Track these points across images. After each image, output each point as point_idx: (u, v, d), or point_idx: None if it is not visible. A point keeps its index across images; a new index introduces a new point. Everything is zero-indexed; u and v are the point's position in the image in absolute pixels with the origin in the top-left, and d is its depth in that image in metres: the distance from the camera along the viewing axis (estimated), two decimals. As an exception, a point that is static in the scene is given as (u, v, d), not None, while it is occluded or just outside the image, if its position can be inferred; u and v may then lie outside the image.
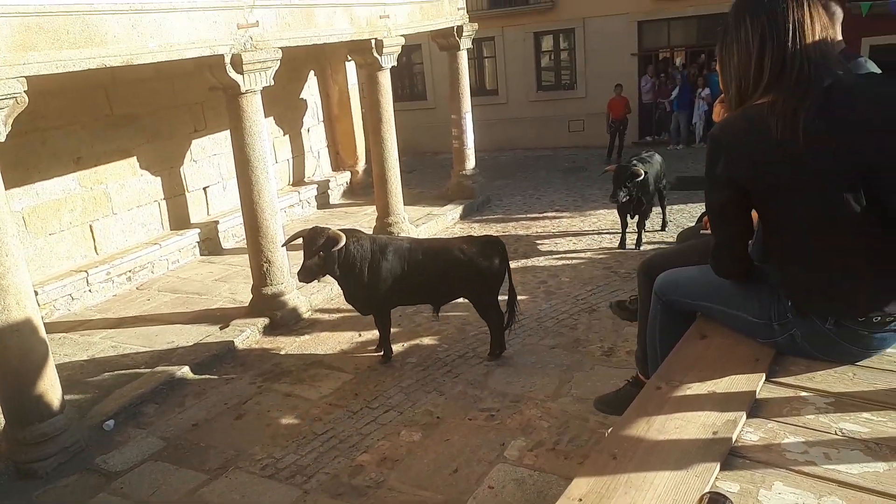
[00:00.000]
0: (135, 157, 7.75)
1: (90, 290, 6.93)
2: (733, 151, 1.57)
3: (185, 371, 5.29)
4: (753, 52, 1.56)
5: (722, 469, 1.43)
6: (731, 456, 1.47)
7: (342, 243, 4.91)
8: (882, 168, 1.45)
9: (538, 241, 8.19)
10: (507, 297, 5.26)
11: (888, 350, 1.73)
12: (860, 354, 1.69)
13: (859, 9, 10.99)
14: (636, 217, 7.62)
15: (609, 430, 3.87)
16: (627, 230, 7.70)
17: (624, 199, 7.11)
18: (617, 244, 7.75)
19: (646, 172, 7.08)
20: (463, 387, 4.92)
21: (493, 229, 8.74)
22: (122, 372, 5.33)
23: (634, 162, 7.29)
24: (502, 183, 11.09)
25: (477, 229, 8.78)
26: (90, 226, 7.30)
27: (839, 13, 2.47)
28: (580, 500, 1.42)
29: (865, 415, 1.55)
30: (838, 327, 1.63)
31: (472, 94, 10.24)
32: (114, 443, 4.50)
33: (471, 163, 10.01)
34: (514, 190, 10.72)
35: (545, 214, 9.31)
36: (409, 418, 4.56)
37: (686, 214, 8.73)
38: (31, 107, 4.17)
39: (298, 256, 7.34)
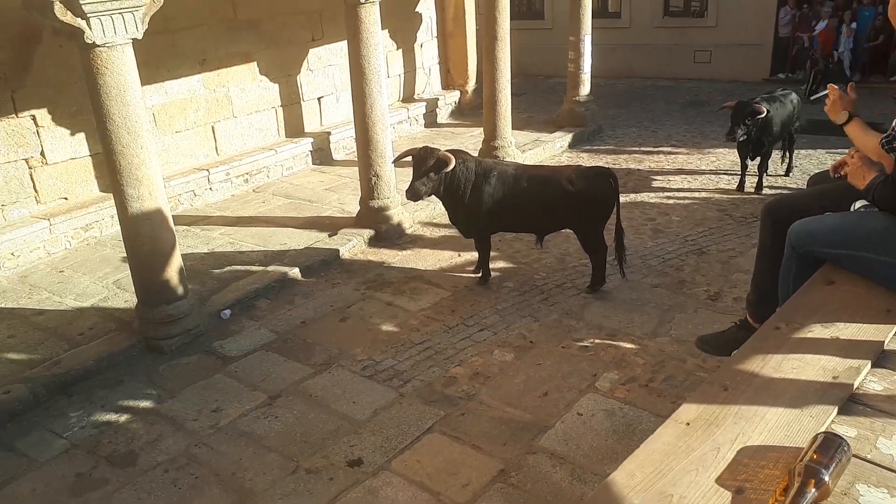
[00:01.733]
0: (255, 63, 7.97)
1: (211, 188, 7.37)
2: None
3: (295, 272, 5.59)
4: None
5: (839, 413, 1.40)
6: (850, 402, 1.44)
7: (451, 166, 4.92)
8: None
9: (650, 177, 7.88)
10: (615, 232, 5.15)
11: None
12: None
13: None
14: (757, 159, 7.14)
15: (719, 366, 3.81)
16: (747, 172, 7.26)
17: (741, 138, 6.65)
18: (735, 186, 7.33)
19: (768, 111, 6.57)
20: (558, 315, 4.93)
21: (603, 160, 8.48)
22: (238, 267, 5.71)
23: (758, 99, 6.78)
24: (616, 112, 10.63)
25: (586, 159, 8.55)
26: (212, 127, 7.67)
27: None
28: (688, 423, 1.43)
29: None
30: None
31: (594, 15, 9.69)
32: (229, 330, 4.88)
33: (585, 89, 9.61)
34: (629, 121, 10.27)
35: (660, 149, 8.90)
36: (502, 339, 4.65)
37: (814, 160, 8.10)
38: (163, 7, 4.34)
39: (405, 173, 7.44)
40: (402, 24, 9.81)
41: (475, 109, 10.32)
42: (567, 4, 9.55)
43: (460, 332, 4.74)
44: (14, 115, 5.97)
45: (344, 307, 5.16)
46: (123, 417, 4.02)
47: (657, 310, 4.95)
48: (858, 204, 1.96)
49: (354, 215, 6.61)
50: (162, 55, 6.91)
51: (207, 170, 7.35)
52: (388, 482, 3.43)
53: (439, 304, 5.14)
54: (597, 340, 4.60)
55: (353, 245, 6.12)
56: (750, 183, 7.27)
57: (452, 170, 4.99)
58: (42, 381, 4.20)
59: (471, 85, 10.86)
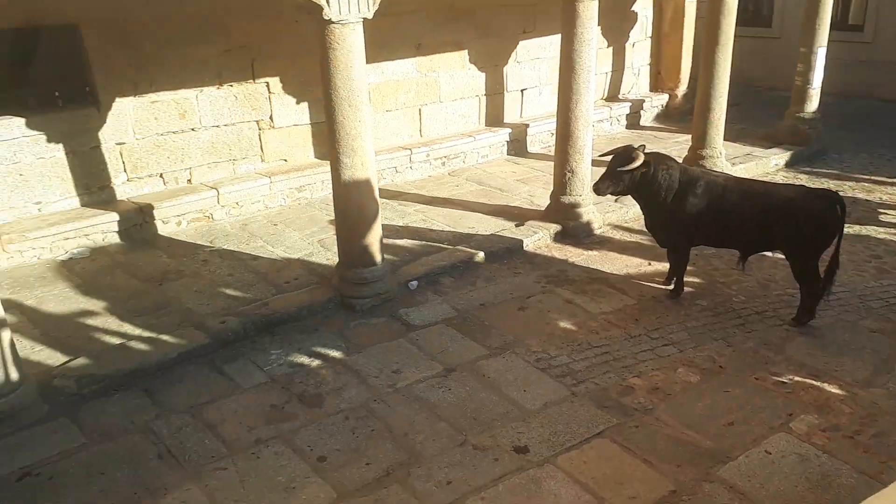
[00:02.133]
0: (465, 51, 8.20)
1: (411, 167, 7.73)
2: None
3: (480, 256, 5.70)
4: None
5: None
6: None
7: (635, 164, 4.73)
8: None
9: (879, 209, 6.96)
10: (828, 264, 4.63)
11: None
12: None
13: None
14: None
15: None
16: None
17: None
18: None
19: None
20: (755, 344, 4.54)
21: (825, 185, 7.65)
22: (428, 243, 5.94)
23: None
24: (846, 135, 9.51)
25: (804, 181, 7.77)
26: (419, 109, 8.02)
27: None
28: None
29: None
30: None
31: (831, 27, 8.74)
32: (415, 301, 5.10)
33: (812, 105, 8.71)
34: (861, 145, 9.14)
35: (895, 180, 7.84)
36: (688, 358, 4.38)
37: None
38: (390, -8, 4.59)
39: (597, 173, 7.27)
40: (616, 22, 9.56)
41: (683, 115, 9.80)
42: (800, 13, 8.72)
43: (643, 343, 4.54)
44: (252, 81, 6.69)
45: (523, 297, 5.17)
46: (315, 363, 4.37)
47: (874, 357, 4.38)
48: None
49: (543, 209, 6.58)
50: (384, 37, 7.31)
51: (410, 149, 7.71)
52: (552, 476, 3.39)
53: (622, 311, 4.96)
54: (797, 378, 4.17)
55: (539, 238, 6.10)
56: None
57: (653, 174, 4.79)
58: (252, 318, 4.69)
59: (681, 89, 10.33)
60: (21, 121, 5.64)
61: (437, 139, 8.07)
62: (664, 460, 3.50)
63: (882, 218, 6.74)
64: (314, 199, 6.95)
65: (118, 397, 4.04)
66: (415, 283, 5.25)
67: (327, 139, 4.89)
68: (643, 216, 5.24)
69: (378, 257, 5.01)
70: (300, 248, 5.86)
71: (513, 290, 5.28)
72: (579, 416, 3.83)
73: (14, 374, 3.77)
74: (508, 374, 4.21)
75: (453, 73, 8.21)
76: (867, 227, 6.50)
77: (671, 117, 10.13)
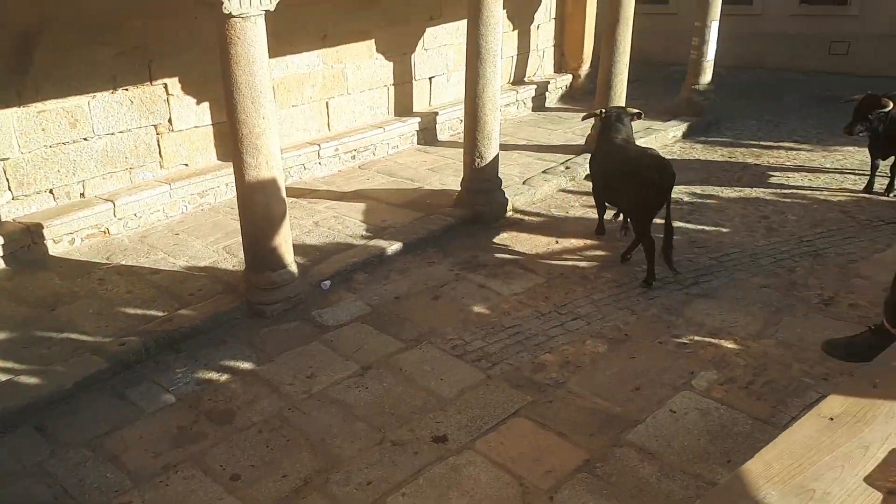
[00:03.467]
0: (373, 40, 8.13)
1: (320, 163, 7.64)
2: None
3: (392, 249, 5.71)
4: None
5: None
6: None
7: None
8: None
9: (767, 173, 7.40)
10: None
11: None
12: None
13: None
14: (890, 158, 6.55)
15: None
16: (877, 172, 6.67)
17: (860, 134, 6.28)
18: (862, 187, 6.76)
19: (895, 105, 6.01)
20: (657, 310, 4.76)
21: (718, 153, 8.07)
22: (340, 240, 5.90)
23: (893, 93, 6.22)
24: (738, 104, 10.03)
25: (699, 150, 8.17)
26: (326, 103, 7.91)
27: None
28: (831, 418, 1.35)
29: None
30: None
31: (723, 1, 9.18)
32: (328, 301, 5.06)
33: (706, 77, 9.13)
34: (750, 113, 9.67)
35: (781, 144, 8.34)
36: (596, 330, 4.55)
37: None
38: (291, -20, 4.50)
39: (508, 157, 7.41)
40: (520, 5, 9.67)
41: (587, 94, 10.07)
42: (694, -11, 9.09)
43: (552, 320, 4.68)
44: (149, 83, 6.41)
45: (437, 286, 5.22)
46: (224, 377, 4.23)
47: (764, 311, 4.68)
48: None
49: (454, 196, 6.64)
50: (288, 29, 7.11)
51: (318, 145, 7.61)
52: (471, 461, 3.45)
53: (532, 290, 5.09)
54: (696, 338, 4.41)
55: (451, 225, 6.17)
56: (879, 184, 6.67)
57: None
58: (154, 336, 4.46)
59: (584, 69, 10.60)
60: None
61: (346, 132, 8.00)
62: (577, 431, 3.63)
63: (769, 180, 7.17)
64: (218, 203, 6.75)
65: (6, 440, 3.72)
66: (327, 282, 5.21)
67: (230, 139, 4.76)
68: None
69: (287, 259, 4.94)
70: (204, 256, 5.68)
71: (427, 280, 5.33)
72: (495, 399, 3.91)
73: None
74: (425, 365, 4.26)
75: (360, 64, 8.13)
76: (756, 189, 6.91)
77: (575, 97, 10.39)
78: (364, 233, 6.03)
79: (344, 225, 6.23)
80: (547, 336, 4.49)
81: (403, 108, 8.67)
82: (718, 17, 8.85)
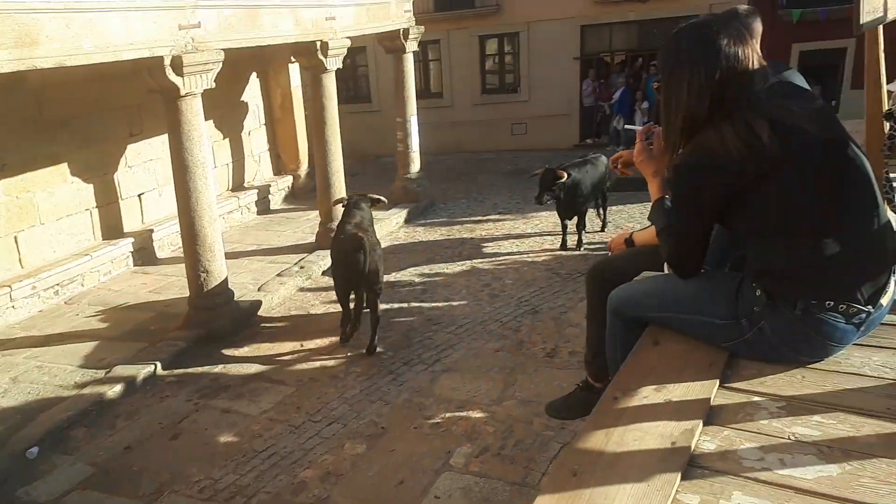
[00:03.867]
0: (65, 164, 7.37)
1: (13, 307, 6.56)
2: (718, 169, 1.70)
3: (116, 390, 5.05)
4: (702, 86, 1.71)
5: (683, 480, 1.41)
6: (690, 466, 1.45)
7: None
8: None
9: (482, 244, 8.19)
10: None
11: (839, 353, 1.76)
12: (822, 347, 1.73)
13: (790, 15, 11.44)
14: (574, 218, 7.71)
15: (564, 446, 3.85)
16: (567, 231, 7.79)
17: (547, 202, 7.30)
18: (558, 245, 7.82)
19: (569, 175, 7.16)
20: (408, 395, 4.85)
21: (438, 233, 8.73)
22: (48, 395, 5.05)
23: (569, 164, 7.47)
24: (447, 186, 11.07)
25: (422, 233, 8.75)
26: (15, 237, 6.90)
27: (759, 28, 2.59)
28: None
29: (816, 418, 1.56)
30: (805, 314, 1.68)
31: (418, 96, 10.19)
32: (38, 472, 4.22)
33: (415, 166, 9.95)
34: (459, 193, 10.72)
35: (488, 217, 9.34)
36: (353, 430, 4.47)
37: (625, 215, 8.89)
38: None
39: (238, 264, 7.19)
40: (228, 114, 9.63)
41: (309, 193, 10.26)
42: (392, 88, 9.94)
43: (307, 430, 4.50)
44: None
45: (174, 423, 4.71)
46: None
47: (501, 373, 5.04)
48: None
49: (183, 316, 6.17)
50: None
51: (9, 286, 6.55)
52: None
53: (283, 403, 4.86)
54: (448, 414, 4.56)
55: (183, 349, 5.69)
56: (571, 241, 7.79)
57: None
58: None
59: (303, 169, 10.83)
60: None
61: (45, 266, 7.02)
62: (348, 545, 3.47)
63: (485, 250, 7.94)
64: None
65: None
66: (34, 449, 4.36)
67: None
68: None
69: (-26, 433, 4.07)
70: None
71: (162, 418, 4.78)
72: (255, 535, 3.58)
73: None
74: (168, 518, 3.76)
75: (53, 190, 7.27)
76: (475, 260, 7.59)
77: (298, 197, 10.54)
78: (79, 379, 5.25)
79: (51, 375, 5.36)
80: (304, 450, 4.28)
81: (112, 230, 7.93)
82: (416, 112, 9.77)
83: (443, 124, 14.02)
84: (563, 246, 7.77)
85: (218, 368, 5.47)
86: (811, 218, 1.68)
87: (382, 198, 6.40)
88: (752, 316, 1.75)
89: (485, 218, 9.29)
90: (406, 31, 9.37)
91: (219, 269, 6.17)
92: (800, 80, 2.17)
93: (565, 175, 7.13)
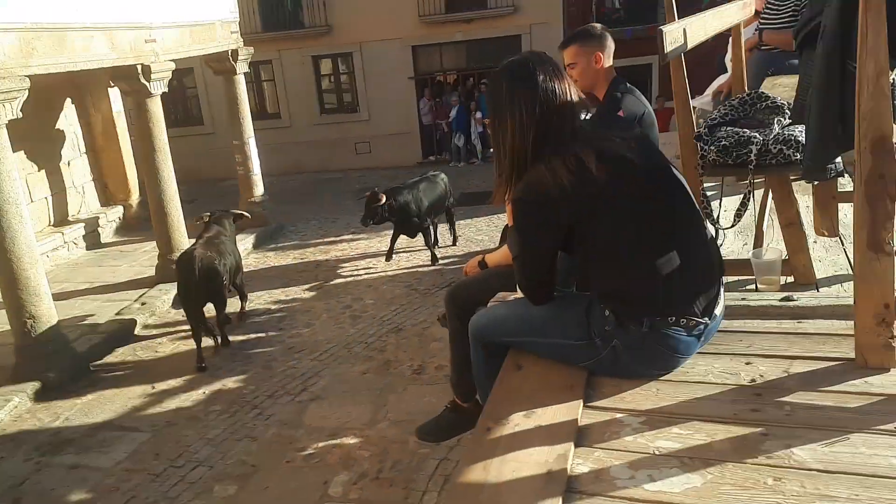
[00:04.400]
0: None
1: None
2: (553, 203, 1.75)
3: (-67, 462, 4.42)
4: (524, 124, 1.78)
5: None
6: (568, 492, 1.42)
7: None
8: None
9: (338, 265, 8.16)
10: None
11: (686, 363, 1.86)
12: (670, 360, 1.84)
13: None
14: (419, 236, 7.91)
15: (445, 482, 3.84)
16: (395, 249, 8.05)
17: (371, 224, 7.52)
18: (414, 263, 7.99)
19: (390, 196, 7.35)
20: (277, 429, 4.72)
21: (291, 256, 8.57)
22: None
23: (402, 185, 7.75)
24: (295, 208, 10.87)
25: (273, 258, 8.54)
26: None
27: (611, 45, 2.81)
28: None
29: (675, 429, 1.59)
30: (652, 331, 1.78)
31: (254, 117, 9.94)
32: None
33: (259, 189, 9.67)
34: (309, 214, 10.56)
35: (342, 238, 9.30)
36: (220, 472, 4.26)
37: (473, 228, 9.27)
38: None
39: (68, 306, 6.60)
40: (41, 144, 8.73)
41: (144, 223, 9.55)
42: (225, 109, 9.60)
43: (171, 477, 4.22)
44: None
45: (13, 486, 4.21)
46: None
47: (370, 395, 5.06)
48: None
49: (10, 369, 5.52)
50: None
51: None
52: None
53: (138, 451, 4.52)
54: (320, 444, 4.50)
55: (14, 405, 5.11)
56: (425, 257, 8.00)
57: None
58: None
59: (135, 198, 10.10)
60: None
61: None
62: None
63: (342, 272, 7.92)
64: None
65: None
66: None
67: None
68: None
69: None
70: None
71: (-5, 484, 4.26)
72: None
73: None
74: None
75: None
76: (333, 282, 7.54)
77: (132, 228, 9.79)
78: None
79: None
80: (169, 499, 4.01)
81: None
82: (253, 133, 9.52)
83: (283, 145, 13.76)
84: (389, 257, 7.96)
85: (59, 422, 4.97)
86: (644, 241, 1.78)
87: (245, 213, 6.82)
88: (605, 335, 1.82)
89: (338, 238, 9.25)
90: (235, 53, 9.14)
91: (47, 313, 5.63)
92: (639, 95, 2.43)
93: (384, 198, 7.28)
